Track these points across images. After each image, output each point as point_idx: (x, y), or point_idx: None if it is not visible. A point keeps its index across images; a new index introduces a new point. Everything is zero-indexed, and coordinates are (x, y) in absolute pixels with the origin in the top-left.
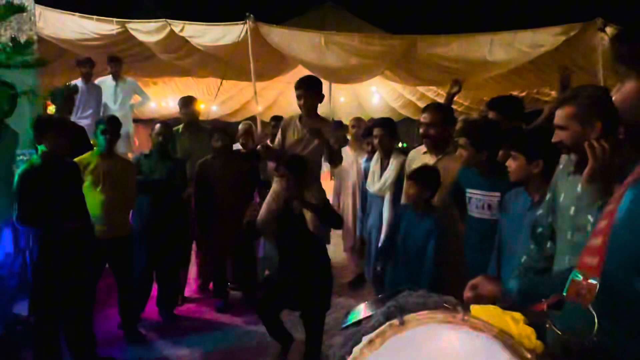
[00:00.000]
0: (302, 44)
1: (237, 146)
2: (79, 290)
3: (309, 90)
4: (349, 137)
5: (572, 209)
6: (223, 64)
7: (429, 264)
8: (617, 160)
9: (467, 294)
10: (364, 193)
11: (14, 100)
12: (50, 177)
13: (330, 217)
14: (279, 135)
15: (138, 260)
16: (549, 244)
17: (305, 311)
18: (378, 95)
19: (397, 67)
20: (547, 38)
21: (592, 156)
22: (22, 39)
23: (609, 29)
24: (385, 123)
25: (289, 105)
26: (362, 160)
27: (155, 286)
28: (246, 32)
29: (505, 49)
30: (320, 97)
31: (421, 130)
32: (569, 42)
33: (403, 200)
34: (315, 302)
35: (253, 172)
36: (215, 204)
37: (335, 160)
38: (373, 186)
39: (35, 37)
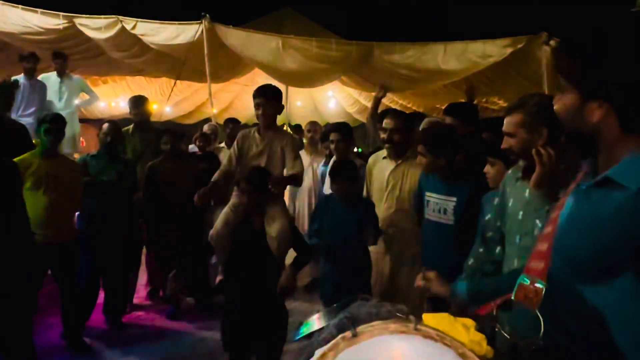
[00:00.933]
0: (259, 47)
1: (193, 148)
2: (16, 299)
3: (269, 100)
4: (304, 140)
5: (520, 213)
6: (177, 64)
7: (354, 254)
8: (562, 166)
9: (419, 282)
10: (320, 197)
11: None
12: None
13: (301, 248)
14: (234, 149)
15: (84, 266)
16: (497, 249)
17: (262, 345)
18: (334, 100)
19: (353, 73)
20: (495, 49)
21: (540, 162)
22: None
23: (552, 42)
24: (341, 128)
25: (245, 108)
26: (320, 164)
27: (102, 293)
28: (202, 32)
29: (458, 58)
30: (280, 108)
31: (384, 136)
32: (516, 54)
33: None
34: (272, 338)
35: (208, 174)
36: (166, 208)
37: (298, 182)
38: (330, 190)
39: None
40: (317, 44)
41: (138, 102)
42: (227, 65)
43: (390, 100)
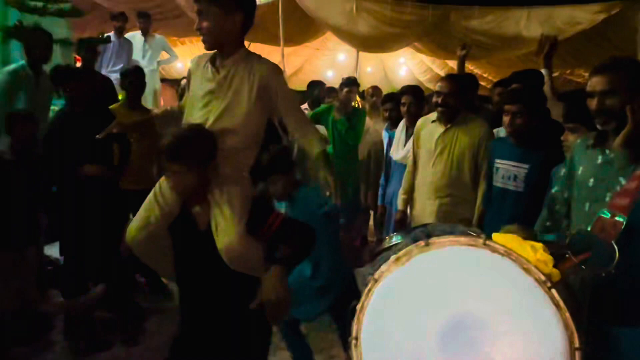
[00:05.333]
0: (333, 9)
1: None
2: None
3: (219, 3)
4: (366, 105)
5: (591, 180)
6: (252, 27)
7: None
8: None
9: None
10: (387, 161)
11: (49, 47)
12: (76, 125)
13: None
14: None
15: None
16: (565, 223)
17: None
18: (405, 67)
19: (427, 39)
20: (585, 15)
21: (633, 120)
22: None
23: None
24: (414, 91)
25: (315, 72)
26: (383, 128)
27: None
28: None
29: (542, 25)
30: (241, 19)
31: (437, 99)
32: (608, 21)
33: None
34: None
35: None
36: None
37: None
38: (397, 154)
39: None
40: (392, 7)
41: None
42: (300, 28)
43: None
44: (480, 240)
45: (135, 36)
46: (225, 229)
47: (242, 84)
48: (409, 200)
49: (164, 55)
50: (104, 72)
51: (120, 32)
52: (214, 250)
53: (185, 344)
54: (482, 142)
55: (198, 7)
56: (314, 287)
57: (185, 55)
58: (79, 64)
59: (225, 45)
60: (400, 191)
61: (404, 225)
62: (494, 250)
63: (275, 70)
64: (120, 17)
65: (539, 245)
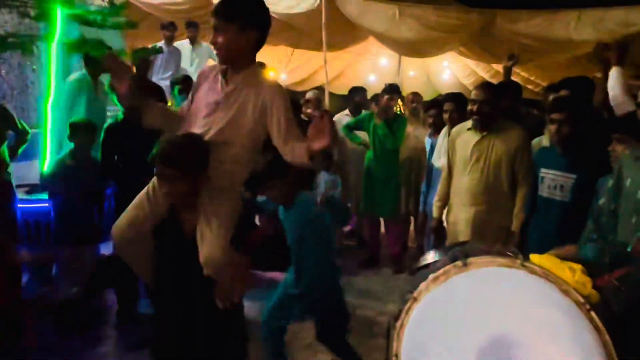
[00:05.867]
0: (375, 15)
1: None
2: None
3: (233, 21)
4: (405, 111)
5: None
6: (295, 33)
7: None
8: None
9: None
10: (428, 168)
11: None
12: (132, 133)
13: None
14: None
15: None
16: (611, 236)
17: None
18: (449, 71)
19: (472, 43)
20: None
21: None
22: (117, 1)
23: None
24: (456, 98)
25: (356, 77)
26: (425, 134)
27: None
28: (321, 0)
29: (594, 27)
30: (257, 37)
31: (472, 107)
32: None
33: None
34: None
35: None
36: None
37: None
38: (439, 161)
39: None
40: (436, 11)
41: None
42: (343, 34)
43: (512, 73)
44: (518, 261)
45: (183, 45)
46: (210, 240)
47: (248, 100)
48: (444, 207)
49: (211, 62)
50: (154, 79)
51: (169, 41)
52: (196, 258)
53: (161, 350)
54: (519, 150)
55: (214, 23)
56: (295, 294)
57: None
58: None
59: (237, 61)
60: (436, 199)
61: (440, 233)
62: (532, 272)
63: (278, 92)
64: (170, 26)
65: (578, 266)
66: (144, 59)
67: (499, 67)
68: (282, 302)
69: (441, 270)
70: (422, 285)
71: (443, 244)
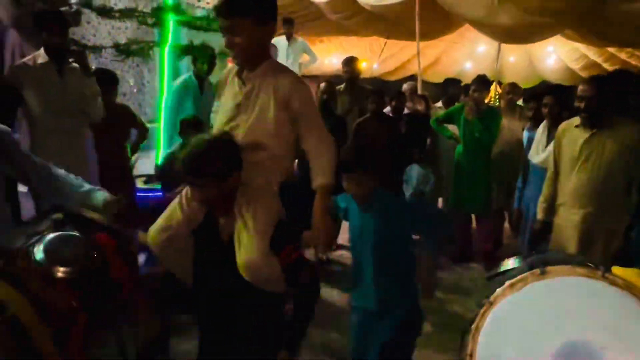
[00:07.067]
0: (471, 2)
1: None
2: None
3: (245, 18)
4: (501, 102)
5: None
6: (388, 24)
7: None
8: None
9: None
10: (525, 163)
11: (213, 61)
12: None
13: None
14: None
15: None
16: None
17: None
18: (555, 56)
19: (580, 26)
20: None
21: None
22: None
23: None
24: (557, 91)
25: (452, 64)
26: (521, 127)
27: None
28: None
29: None
30: (267, 31)
31: (579, 104)
32: None
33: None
34: None
35: (405, 138)
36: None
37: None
38: (537, 157)
39: None
40: None
41: (349, 62)
42: (437, 22)
43: (630, 55)
44: (599, 272)
45: (279, 41)
46: (247, 244)
47: (268, 97)
48: (550, 209)
49: (305, 57)
50: None
51: None
52: (234, 262)
53: (204, 354)
54: (633, 148)
55: (226, 24)
56: (373, 311)
57: (324, 53)
58: None
59: (254, 59)
60: (540, 199)
61: (543, 236)
62: (613, 283)
63: (297, 85)
64: None
65: None
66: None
67: (614, 50)
68: (361, 326)
69: (518, 277)
70: (499, 291)
71: (542, 246)
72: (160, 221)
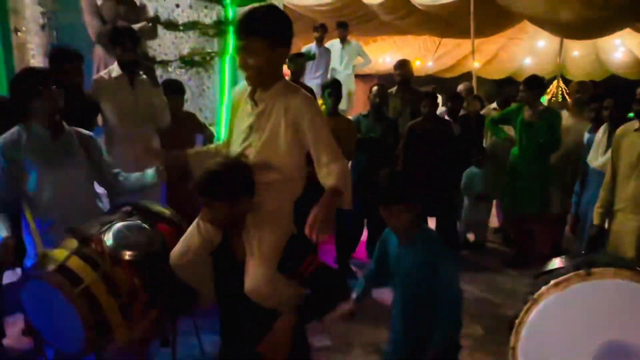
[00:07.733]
0: None
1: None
2: None
3: (255, 37)
4: (569, 101)
5: None
6: (441, 23)
7: None
8: None
9: None
10: (583, 166)
11: None
12: None
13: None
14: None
15: (354, 208)
16: None
17: None
18: (623, 48)
19: None
20: None
21: None
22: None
23: None
24: (618, 94)
25: (510, 60)
26: (586, 130)
27: (365, 232)
28: None
29: None
30: (280, 53)
31: (638, 108)
32: None
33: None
34: None
35: (461, 141)
36: (421, 167)
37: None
38: (596, 161)
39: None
40: None
41: (401, 65)
42: (492, 20)
43: None
44: None
45: (334, 44)
46: (252, 272)
47: (279, 118)
48: (607, 214)
49: (359, 59)
50: (307, 78)
51: (320, 41)
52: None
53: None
54: None
55: (241, 44)
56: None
57: (377, 52)
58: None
59: (268, 80)
60: (597, 204)
61: (599, 242)
62: None
63: (306, 106)
64: (321, 28)
65: None
66: (300, 64)
67: None
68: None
69: (563, 277)
70: (544, 289)
71: (598, 252)
72: (179, 245)
